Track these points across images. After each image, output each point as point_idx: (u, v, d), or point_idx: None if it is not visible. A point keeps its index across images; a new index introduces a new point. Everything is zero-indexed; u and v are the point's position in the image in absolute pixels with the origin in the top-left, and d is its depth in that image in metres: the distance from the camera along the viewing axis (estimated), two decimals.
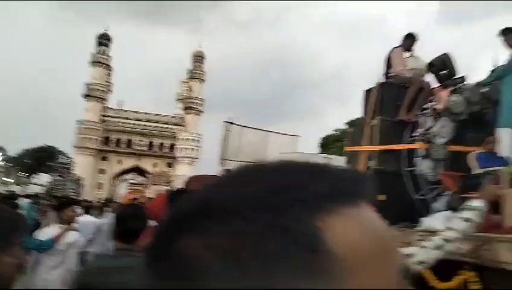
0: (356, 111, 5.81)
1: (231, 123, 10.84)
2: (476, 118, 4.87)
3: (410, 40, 5.68)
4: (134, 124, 65.22)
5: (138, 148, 64.41)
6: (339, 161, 7.96)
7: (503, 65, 4.79)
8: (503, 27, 4.72)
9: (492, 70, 4.99)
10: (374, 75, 5.80)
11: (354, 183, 0.31)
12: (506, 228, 3.45)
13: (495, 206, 3.70)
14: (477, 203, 1.87)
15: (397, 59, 5.53)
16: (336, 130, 30.06)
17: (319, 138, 31.94)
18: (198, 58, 67.00)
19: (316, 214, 0.27)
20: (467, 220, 1.81)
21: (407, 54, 5.70)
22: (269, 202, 0.28)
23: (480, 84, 5.01)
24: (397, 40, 5.73)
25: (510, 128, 4.48)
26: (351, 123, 5.92)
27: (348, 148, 5.75)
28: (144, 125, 65.82)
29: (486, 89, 4.98)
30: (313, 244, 0.26)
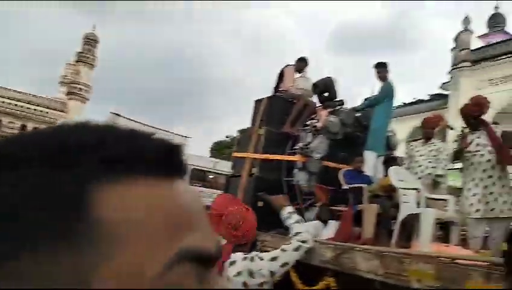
0: (249, 120, 5.97)
1: (118, 115, 10.22)
2: (349, 138, 5.41)
3: (302, 63, 6.08)
4: (5, 102, 57.64)
5: (8, 131, 56.93)
6: (225, 166, 8.09)
7: (374, 95, 5.41)
8: (377, 61, 5.35)
9: (366, 99, 5.60)
10: (268, 88, 6.09)
11: (159, 153, 0.29)
12: (364, 239, 3.88)
13: (358, 219, 4.14)
14: (288, 209, 2.13)
15: (289, 76, 5.86)
16: (228, 137, 30.42)
17: (211, 142, 32.00)
18: (90, 41, 61.61)
19: (96, 179, 0.25)
20: (298, 221, 2.04)
21: (299, 75, 6.09)
22: (51, 160, 0.25)
23: (354, 110, 5.60)
24: (292, 59, 6.11)
25: (374, 152, 5.07)
26: (243, 131, 6.15)
27: (234, 154, 5.88)
28: (17, 105, 58.52)
29: (359, 115, 5.58)
30: (77, 209, 0.24)
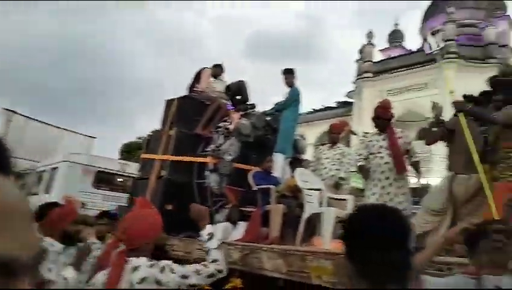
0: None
1: (13, 112, 9.25)
2: (260, 141, 5.53)
3: (219, 69, 6.16)
4: None
5: None
6: (135, 169, 7.77)
7: (283, 100, 5.59)
8: (284, 68, 5.55)
9: (276, 103, 5.76)
10: (182, 89, 5.99)
11: None
12: (271, 239, 3.96)
13: (266, 219, 4.23)
14: (208, 229, 2.09)
15: (206, 78, 5.84)
16: (140, 138, 29.37)
17: (121, 143, 30.60)
18: None
19: None
20: (218, 247, 2.02)
21: (214, 80, 6.10)
22: None
23: (265, 113, 5.74)
24: (208, 62, 6.11)
25: (283, 154, 5.24)
26: (155, 132, 5.85)
27: (143, 156, 5.67)
28: None
29: (270, 118, 5.73)
30: None
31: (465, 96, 3.63)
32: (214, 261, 1.96)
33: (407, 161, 4.23)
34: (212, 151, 5.04)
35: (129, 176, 8.26)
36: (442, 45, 21.61)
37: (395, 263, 0.98)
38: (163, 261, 1.87)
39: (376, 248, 0.98)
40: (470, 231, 1.60)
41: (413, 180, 4.36)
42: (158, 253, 2.16)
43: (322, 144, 5.61)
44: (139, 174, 5.61)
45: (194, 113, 5.41)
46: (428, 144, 4.00)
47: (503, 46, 24.10)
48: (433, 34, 25.71)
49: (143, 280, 1.77)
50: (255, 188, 4.58)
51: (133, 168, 8.41)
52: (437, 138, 3.88)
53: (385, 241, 0.98)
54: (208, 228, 2.05)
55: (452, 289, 1.56)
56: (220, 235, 3.91)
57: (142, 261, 1.83)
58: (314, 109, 31.16)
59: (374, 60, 27.85)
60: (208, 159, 5.04)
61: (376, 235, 0.99)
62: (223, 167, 4.95)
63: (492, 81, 3.40)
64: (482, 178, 2.99)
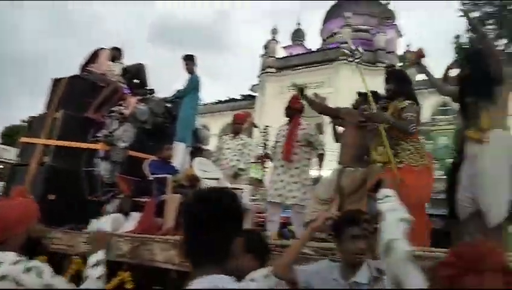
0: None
1: None
2: (158, 128, 5.29)
3: (117, 52, 5.75)
4: None
5: None
6: (14, 154, 6.95)
7: (184, 87, 5.41)
8: (185, 54, 5.38)
9: (178, 91, 5.56)
10: (73, 69, 5.45)
11: None
12: (164, 230, 3.81)
13: (161, 209, 4.06)
14: (100, 255, 1.97)
15: (104, 60, 5.39)
16: (24, 121, 26.79)
17: (2, 127, 27.56)
18: None
19: None
20: (101, 277, 1.87)
21: (112, 62, 5.68)
22: None
23: (165, 100, 5.51)
24: (108, 42, 5.66)
25: (183, 143, 5.08)
26: (40, 115, 5.23)
27: (23, 139, 5.05)
28: None
29: (170, 106, 5.51)
30: None
31: (360, 93, 3.89)
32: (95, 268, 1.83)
33: (313, 152, 4.37)
34: (104, 137, 4.68)
35: (7, 163, 7.38)
36: (339, 46, 23.17)
37: (211, 245, 1.04)
38: (35, 262, 1.67)
39: (195, 229, 1.05)
40: (335, 220, 1.72)
41: (315, 172, 4.50)
42: (33, 246, 1.92)
43: (225, 134, 5.59)
44: (17, 160, 5.00)
45: (85, 94, 4.95)
46: (314, 108, 4.19)
47: (391, 52, 26.76)
48: (331, 36, 27.52)
49: (3, 277, 1.57)
50: (150, 177, 4.38)
51: (13, 154, 7.53)
52: (325, 110, 4.05)
53: (202, 224, 1.05)
54: (99, 255, 1.91)
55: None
56: (109, 228, 3.66)
57: (9, 256, 1.62)
58: (219, 100, 31.29)
59: (277, 56, 28.87)
60: (98, 146, 4.67)
61: (196, 217, 1.06)
62: (115, 155, 4.64)
63: (388, 70, 3.66)
64: (394, 168, 3.04)
